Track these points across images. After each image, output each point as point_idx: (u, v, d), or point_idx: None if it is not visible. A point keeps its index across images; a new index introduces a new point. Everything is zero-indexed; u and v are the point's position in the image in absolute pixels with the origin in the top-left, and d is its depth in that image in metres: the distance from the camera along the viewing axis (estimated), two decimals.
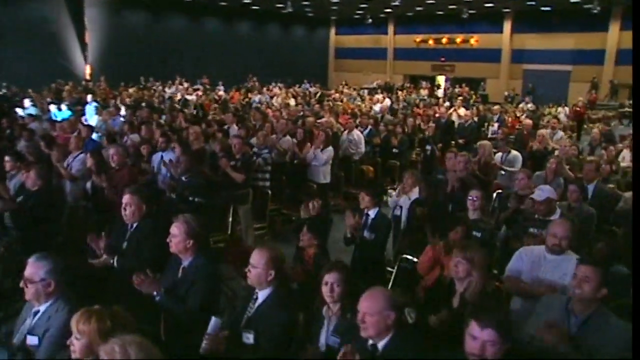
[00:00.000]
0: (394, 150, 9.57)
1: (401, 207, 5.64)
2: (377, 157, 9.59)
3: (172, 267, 3.31)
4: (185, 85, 19.98)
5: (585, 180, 5.49)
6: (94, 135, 8.02)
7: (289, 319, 2.85)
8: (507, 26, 27.25)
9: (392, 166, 9.45)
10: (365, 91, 23.56)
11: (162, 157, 6.31)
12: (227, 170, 6.23)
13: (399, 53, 32.14)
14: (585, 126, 16.52)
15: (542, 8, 24.36)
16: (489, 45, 27.93)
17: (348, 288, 2.83)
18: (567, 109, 17.25)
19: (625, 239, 4.50)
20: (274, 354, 2.73)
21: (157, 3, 25.12)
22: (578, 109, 16.39)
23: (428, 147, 10.05)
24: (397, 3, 25.01)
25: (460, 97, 18.87)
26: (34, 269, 2.66)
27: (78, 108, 11.87)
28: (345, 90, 22.20)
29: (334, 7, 28.28)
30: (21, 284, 2.69)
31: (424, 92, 23.55)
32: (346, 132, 9.29)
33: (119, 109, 10.53)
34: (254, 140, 7.50)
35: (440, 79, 30.26)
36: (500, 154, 7.39)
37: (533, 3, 23.63)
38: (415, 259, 4.62)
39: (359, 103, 17.50)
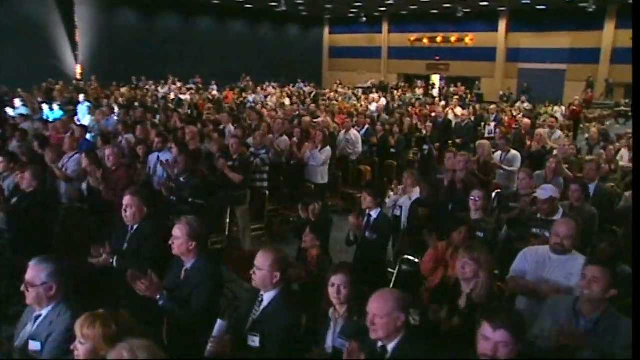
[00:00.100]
0: (392, 150, 9.58)
1: (401, 207, 5.64)
2: (374, 157, 9.60)
3: (173, 269, 3.29)
4: (178, 84, 19.90)
5: (586, 180, 5.51)
6: (87, 136, 7.96)
7: (296, 321, 2.84)
8: (502, 25, 27.40)
9: (389, 166, 9.45)
10: (360, 90, 23.57)
11: (158, 157, 6.28)
12: (224, 171, 6.21)
13: (394, 52, 32.23)
14: (581, 125, 16.63)
15: (537, 7, 24.52)
16: (484, 44, 28.07)
17: (355, 290, 2.82)
18: (563, 108, 17.35)
19: (626, 239, 4.53)
20: (280, 357, 2.72)
21: (148, 1, 25.03)
22: (574, 108, 16.49)
23: (425, 147, 10.07)
24: (391, 2, 25.11)
25: (456, 97, 18.92)
26: (35, 272, 2.62)
27: (70, 108, 11.80)
28: (340, 90, 22.20)
29: (328, 6, 28.31)
30: (22, 288, 2.66)
31: (419, 92, 23.58)
32: (343, 131, 9.29)
33: (112, 109, 10.46)
34: (250, 140, 7.48)
35: (435, 78, 30.36)
36: (499, 153, 7.41)
37: (528, 2, 23.78)
38: (416, 260, 4.64)
39: (355, 102, 17.50)
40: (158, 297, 3.05)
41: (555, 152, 7.80)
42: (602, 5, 22.39)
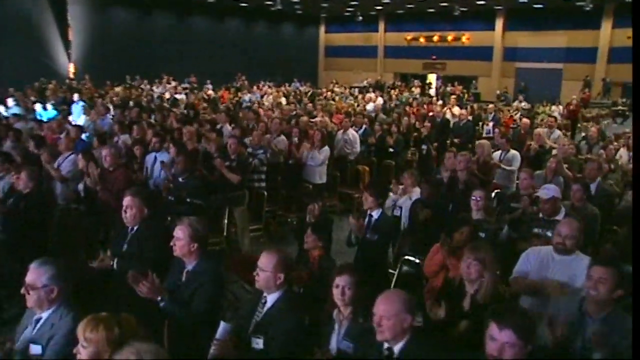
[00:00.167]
0: (390, 149, 9.58)
1: (401, 207, 5.64)
2: (372, 157, 9.60)
3: (175, 271, 3.28)
4: (173, 84, 19.85)
5: (587, 179, 5.53)
6: (82, 136, 7.92)
7: (300, 323, 2.83)
8: (499, 24, 27.45)
9: (387, 166, 9.45)
10: (356, 90, 23.58)
11: (155, 157, 6.26)
12: (222, 171, 6.19)
13: (390, 51, 32.25)
14: (578, 125, 16.70)
15: (534, 5, 24.58)
16: (481, 43, 28.11)
17: (359, 291, 2.82)
18: (560, 107, 17.42)
19: (627, 239, 4.55)
20: (284, 359, 2.71)
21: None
22: (572, 107, 16.55)
23: (424, 147, 10.08)
24: (387, 0, 25.12)
25: (454, 96, 18.95)
26: (36, 274, 2.60)
27: (64, 107, 11.74)
28: (337, 89, 22.20)
29: (324, 5, 28.31)
30: (22, 291, 2.64)
31: (416, 91, 23.62)
32: (341, 131, 9.28)
33: (107, 109, 10.42)
34: (247, 140, 7.46)
35: (432, 78, 30.40)
36: (498, 152, 7.42)
37: (525, 0, 23.87)
38: (417, 261, 4.64)
39: (352, 102, 17.51)
40: (159, 298, 3.03)
41: (554, 151, 7.82)
42: (599, 4, 22.49)
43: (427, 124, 10.64)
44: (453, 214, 5.09)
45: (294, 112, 11.97)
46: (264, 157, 7.04)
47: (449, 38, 29.55)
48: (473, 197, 4.70)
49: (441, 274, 3.94)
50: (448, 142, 11.08)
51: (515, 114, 15.74)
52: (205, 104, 14.28)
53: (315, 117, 11.51)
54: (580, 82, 23.64)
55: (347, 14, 30.97)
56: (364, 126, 10.25)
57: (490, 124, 12.42)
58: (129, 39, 24.22)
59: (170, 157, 5.97)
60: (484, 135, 11.93)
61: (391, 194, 5.88)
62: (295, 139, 8.23)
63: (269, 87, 21.38)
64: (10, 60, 19.17)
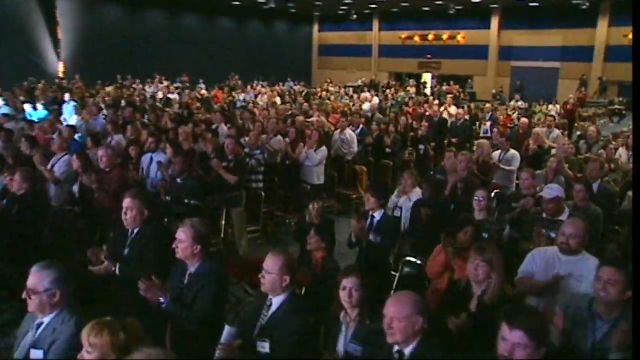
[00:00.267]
0: (387, 149, 9.58)
1: (401, 208, 5.64)
2: (369, 157, 9.60)
3: (177, 273, 3.26)
4: (165, 83, 19.76)
5: (589, 179, 5.56)
6: (75, 136, 7.87)
7: (306, 326, 2.82)
8: (494, 22, 27.61)
9: (385, 166, 9.45)
10: (350, 89, 23.60)
11: (151, 158, 6.23)
12: (219, 172, 6.17)
13: (384, 50, 32.34)
14: (575, 124, 16.79)
15: (530, 4, 24.74)
16: (476, 41, 28.27)
17: (366, 293, 2.82)
18: (557, 106, 17.51)
19: (628, 239, 4.58)
20: None
21: None
22: (569, 106, 16.65)
23: (421, 147, 10.09)
24: None
25: (450, 95, 19.01)
26: (37, 278, 2.58)
27: (54, 107, 11.65)
28: (331, 88, 22.21)
29: (318, 3, 28.32)
30: (23, 295, 2.61)
31: (412, 90, 23.67)
32: (338, 131, 9.27)
33: (100, 109, 10.35)
34: (243, 140, 7.45)
35: (427, 77, 30.50)
36: (497, 152, 7.44)
37: None
38: (418, 262, 4.65)
39: (347, 101, 17.52)
40: (162, 301, 3.02)
41: (553, 151, 7.86)
42: (595, 2, 22.65)
43: (424, 123, 10.65)
44: (454, 214, 5.11)
45: (290, 112, 11.95)
46: (261, 158, 7.03)
47: (444, 37, 29.67)
48: (475, 197, 4.71)
49: (445, 275, 3.95)
50: (445, 141, 11.11)
51: (513, 114, 15.80)
52: (198, 104, 14.24)
53: (311, 116, 11.49)
54: (576, 80, 23.80)
55: (341, 12, 31.03)
56: (360, 126, 10.25)
57: (488, 123, 12.44)
58: (119, 37, 24.10)
59: (167, 158, 5.94)
60: (482, 134, 11.96)
61: (394, 195, 5.86)
62: (288, 139, 8.19)
63: (262, 86, 21.34)
64: None
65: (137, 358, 1.89)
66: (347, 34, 33.11)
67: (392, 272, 4.87)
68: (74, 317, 2.60)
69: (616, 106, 21.22)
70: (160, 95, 16.19)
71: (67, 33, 22.84)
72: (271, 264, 2.84)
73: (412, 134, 10.87)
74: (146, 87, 18.85)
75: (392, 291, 4.44)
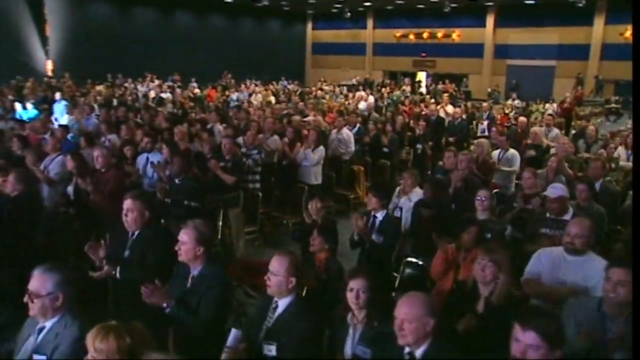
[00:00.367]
0: (385, 149, 9.59)
1: (401, 208, 5.65)
2: (366, 157, 9.60)
3: (179, 276, 3.24)
4: (157, 82, 19.68)
5: (591, 178, 5.59)
6: (68, 136, 7.82)
7: (313, 328, 2.82)
8: (490, 20, 27.73)
9: (382, 166, 9.45)
10: (345, 88, 23.62)
11: (147, 158, 6.21)
12: (216, 172, 6.15)
13: (379, 48, 32.40)
14: (572, 123, 16.89)
15: (526, 2, 24.87)
16: (472, 40, 28.38)
17: (374, 294, 2.82)
18: (554, 105, 17.61)
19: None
20: None
21: None
22: (566, 105, 16.74)
23: (419, 146, 10.11)
24: None
25: (446, 94, 19.07)
26: (40, 281, 2.55)
27: (45, 107, 11.58)
28: (325, 87, 22.22)
29: (311, 1, 28.37)
30: (25, 299, 2.58)
31: (408, 89, 23.73)
32: (335, 130, 9.26)
33: (92, 108, 10.30)
34: (240, 140, 7.43)
35: (421, 75, 30.57)
36: (497, 151, 7.46)
37: None
38: (420, 263, 4.66)
39: (342, 100, 17.53)
40: (165, 305, 3.00)
41: (552, 150, 7.90)
42: (591, 0, 22.78)
43: (422, 122, 10.67)
44: (456, 214, 5.13)
45: (285, 111, 11.94)
46: (259, 158, 7.02)
47: (439, 35, 29.76)
48: (478, 197, 4.73)
49: (449, 275, 3.96)
50: (443, 141, 11.13)
51: (510, 113, 15.87)
52: (191, 103, 14.21)
53: (307, 116, 11.49)
54: (572, 79, 23.91)
55: (335, 10, 31.05)
56: (357, 125, 10.25)
57: (485, 122, 12.50)
58: (109, 35, 23.97)
59: (164, 158, 5.91)
60: (479, 134, 12.01)
61: (393, 196, 5.86)
62: (286, 139, 8.19)
63: (256, 85, 21.31)
64: None
65: None
66: (341, 32, 33.15)
67: (394, 274, 4.88)
68: (77, 321, 2.58)
69: (613, 105, 21.37)
70: (152, 94, 16.13)
71: (55, 31, 22.71)
72: (277, 265, 2.83)
73: (409, 133, 10.88)
74: (138, 87, 18.76)
75: (394, 293, 4.47)
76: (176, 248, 3.11)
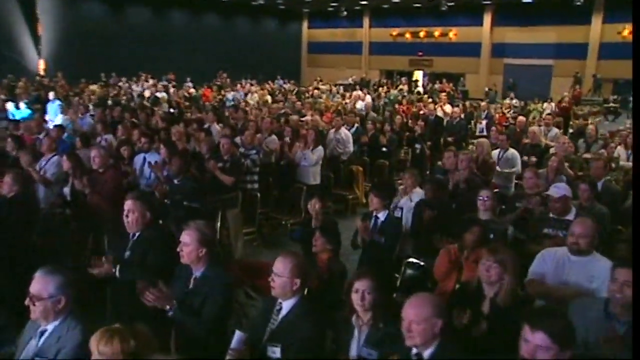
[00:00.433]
0: (383, 149, 9.60)
1: (401, 208, 5.65)
2: (364, 157, 9.60)
3: (181, 278, 3.23)
4: (151, 81, 19.62)
5: (593, 178, 5.61)
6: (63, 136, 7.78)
7: (318, 330, 2.81)
8: (487, 19, 27.81)
9: (381, 166, 9.46)
10: (341, 87, 23.62)
11: (144, 158, 6.19)
12: (215, 173, 6.14)
13: (375, 47, 32.44)
14: (570, 122, 16.94)
15: (524, 0, 24.92)
16: (469, 39, 28.45)
17: (379, 296, 2.82)
18: (552, 104, 17.67)
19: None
20: None
21: None
22: (564, 104, 16.80)
23: (417, 146, 10.12)
24: None
25: (444, 93, 19.12)
26: (41, 284, 2.53)
27: (38, 106, 11.53)
28: (322, 87, 22.21)
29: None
30: (26, 302, 2.57)
31: (405, 88, 23.76)
32: (333, 130, 9.26)
33: (87, 108, 10.26)
34: (238, 140, 7.42)
35: (418, 75, 30.62)
36: (496, 151, 7.48)
37: None
38: (421, 263, 4.66)
39: (339, 100, 17.53)
40: (167, 307, 2.99)
41: (552, 149, 7.92)
42: None
43: (420, 122, 10.69)
44: (457, 214, 5.14)
45: (282, 111, 11.94)
46: (257, 158, 7.01)
47: (436, 34, 29.83)
48: (480, 197, 4.74)
49: (452, 276, 3.97)
50: (441, 140, 11.15)
51: (508, 112, 15.91)
52: (187, 103, 14.18)
53: (304, 115, 11.49)
54: (570, 78, 24.00)
55: (331, 9, 31.06)
56: (355, 125, 10.25)
57: (484, 122, 12.53)
58: (102, 34, 23.92)
59: (161, 158, 5.90)
60: (477, 133, 12.04)
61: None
62: (287, 139, 8.19)
63: (252, 84, 21.29)
64: None
65: None
66: (337, 31, 33.17)
67: (395, 274, 4.87)
68: (79, 324, 2.57)
69: (611, 104, 21.45)
70: (147, 94, 16.08)
71: (48, 30, 22.63)
72: (281, 266, 2.82)
73: (408, 133, 10.89)
74: (132, 86, 18.71)
75: (395, 294, 4.47)
76: (178, 249, 3.10)
